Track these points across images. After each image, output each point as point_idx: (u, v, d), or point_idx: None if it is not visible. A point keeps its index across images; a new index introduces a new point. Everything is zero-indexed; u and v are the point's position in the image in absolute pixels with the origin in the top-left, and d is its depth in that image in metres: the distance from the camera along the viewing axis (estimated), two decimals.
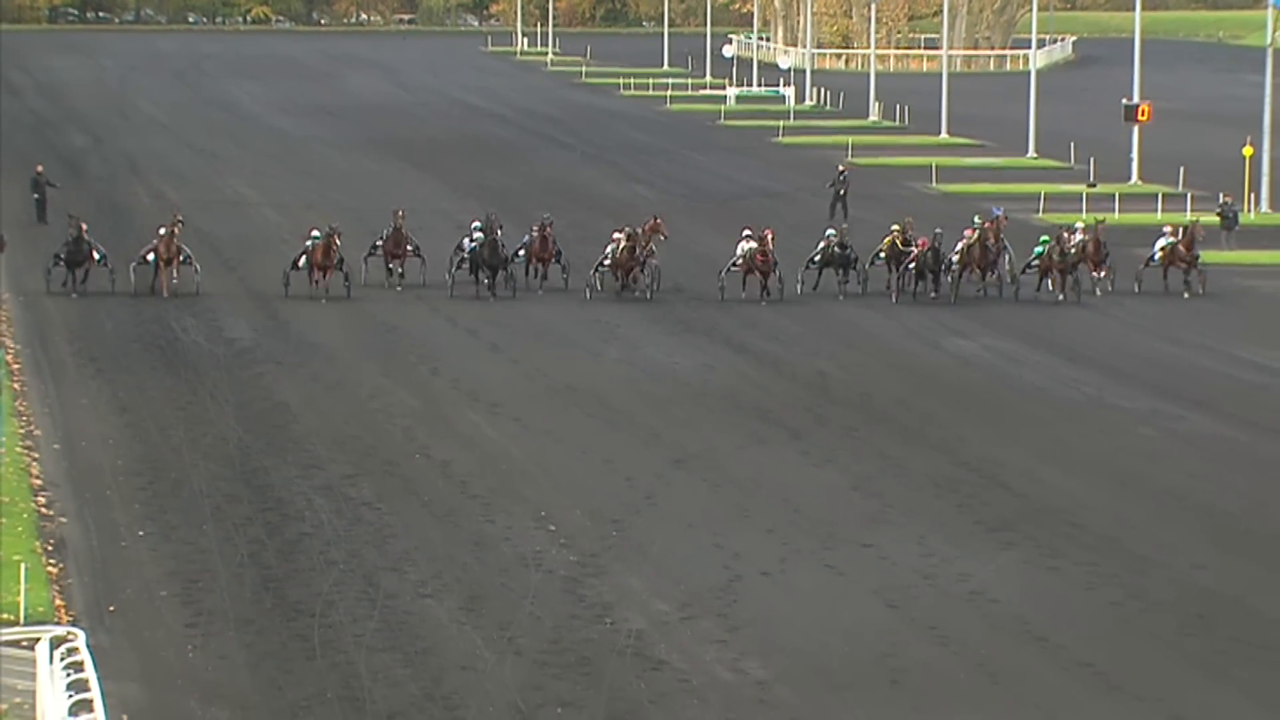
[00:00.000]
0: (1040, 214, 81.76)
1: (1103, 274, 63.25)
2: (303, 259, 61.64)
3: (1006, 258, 62.72)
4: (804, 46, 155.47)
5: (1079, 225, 64.97)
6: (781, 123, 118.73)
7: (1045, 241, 62.59)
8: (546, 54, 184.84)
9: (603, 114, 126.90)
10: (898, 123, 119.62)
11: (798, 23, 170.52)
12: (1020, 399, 50.08)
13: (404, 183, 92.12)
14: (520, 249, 64.07)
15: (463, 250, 62.95)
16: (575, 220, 79.17)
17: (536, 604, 34.15)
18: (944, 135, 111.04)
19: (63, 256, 60.98)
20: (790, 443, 45.45)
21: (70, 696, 25.83)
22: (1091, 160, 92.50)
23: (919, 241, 62.40)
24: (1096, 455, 44.42)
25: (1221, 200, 74.91)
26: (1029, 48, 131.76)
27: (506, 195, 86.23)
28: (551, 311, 61.06)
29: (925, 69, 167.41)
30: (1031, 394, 50.55)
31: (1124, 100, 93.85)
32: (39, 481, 41.15)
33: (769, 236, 61.54)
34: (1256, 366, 53.68)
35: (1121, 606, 34.37)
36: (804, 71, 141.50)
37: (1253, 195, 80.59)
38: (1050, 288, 62.20)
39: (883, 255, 63.36)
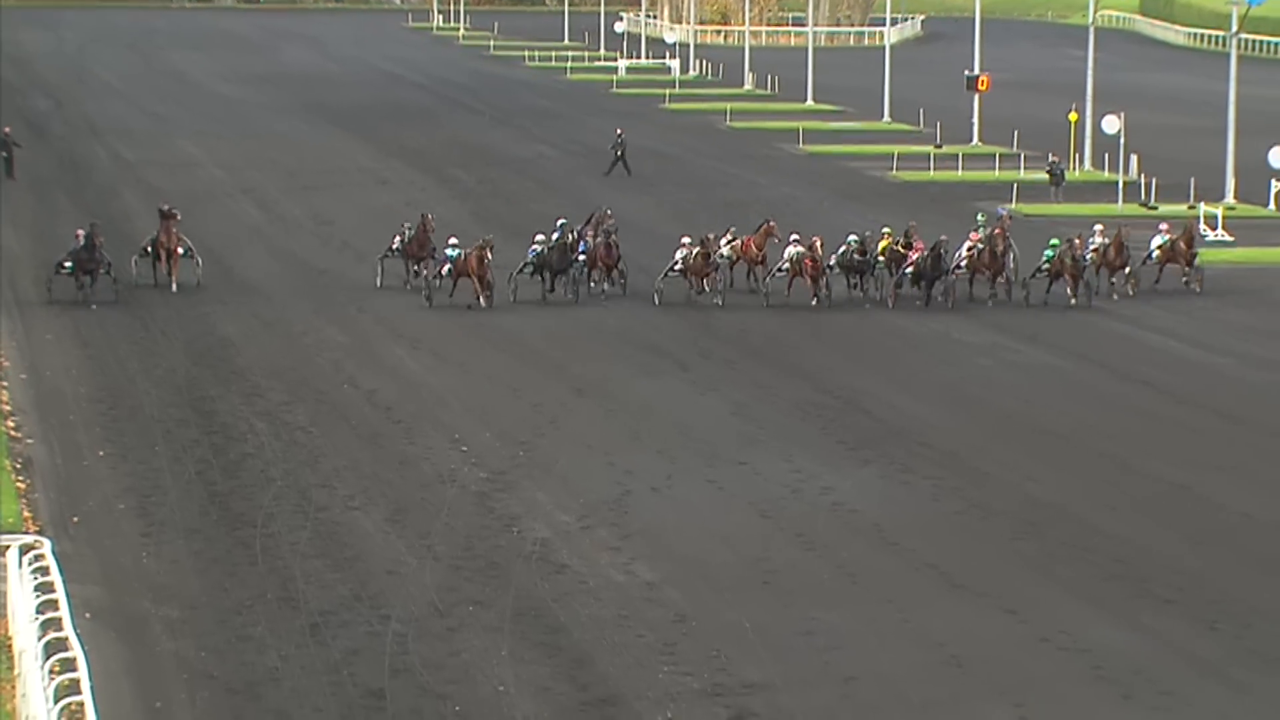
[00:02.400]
0: (894, 172, 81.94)
1: (1124, 278, 54.40)
2: (447, 268, 52.13)
3: (1011, 256, 54.70)
4: (687, 23, 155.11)
5: (1097, 228, 55.82)
6: (668, 91, 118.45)
7: (1055, 244, 53.69)
8: (459, 29, 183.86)
9: (510, 83, 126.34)
10: (769, 91, 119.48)
11: (682, 2, 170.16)
12: (878, 334, 50.21)
13: (333, 143, 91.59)
14: (581, 254, 54.15)
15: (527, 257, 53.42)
16: (485, 177, 78.89)
17: (452, 516, 34.12)
18: (810, 102, 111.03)
19: (69, 264, 51.46)
20: (678, 374, 45.50)
21: (38, 597, 25.69)
22: (938, 124, 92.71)
23: (916, 245, 53.97)
24: (942, 383, 44.59)
25: (1050, 160, 75.25)
26: (884, 25, 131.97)
27: (424, 154, 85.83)
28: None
29: (794, 44, 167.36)
30: (888, 331, 50.68)
31: (966, 72, 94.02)
32: (8, 407, 40.87)
33: (818, 244, 52.50)
34: (1080, 306, 53.91)
35: (963, 515, 34.55)
36: (687, 45, 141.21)
37: (1077, 155, 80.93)
38: (1066, 291, 52.88)
39: (880, 260, 54.12)
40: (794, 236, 53.63)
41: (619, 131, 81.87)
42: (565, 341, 48.66)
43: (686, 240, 53.81)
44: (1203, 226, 65.33)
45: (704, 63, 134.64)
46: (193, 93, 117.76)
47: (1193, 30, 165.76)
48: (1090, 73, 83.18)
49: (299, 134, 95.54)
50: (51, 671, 22.96)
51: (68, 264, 51.44)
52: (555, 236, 53.08)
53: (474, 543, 32.77)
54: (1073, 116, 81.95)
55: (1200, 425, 40.96)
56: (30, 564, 27.12)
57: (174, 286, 53.24)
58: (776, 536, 33.32)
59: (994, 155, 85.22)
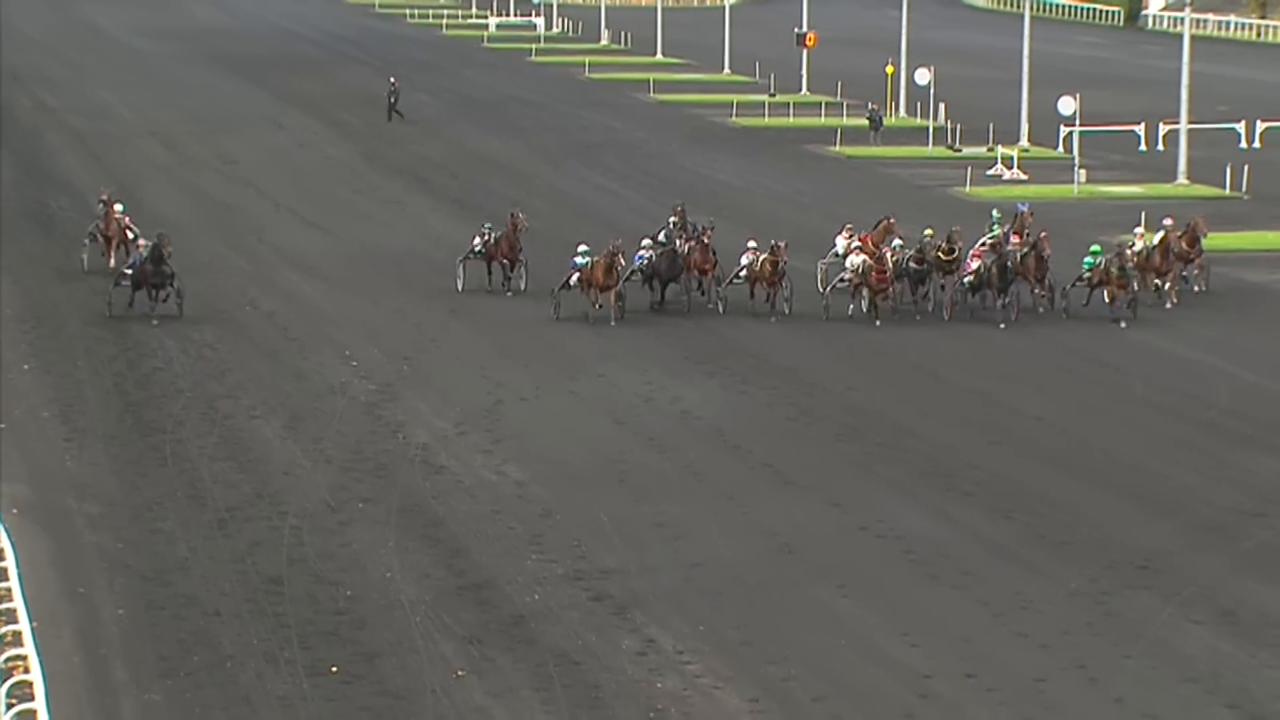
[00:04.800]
0: (734, 118, 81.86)
1: (1168, 283, 44.28)
2: (575, 277, 41.93)
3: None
4: None
5: (1139, 231, 46.30)
6: (533, 46, 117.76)
7: (1096, 251, 43.51)
8: None
9: (393, 38, 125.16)
10: (624, 46, 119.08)
11: None
12: (725, 265, 50.16)
13: (235, 91, 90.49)
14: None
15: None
16: (370, 121, 78.15)
17: (343, 423, 33.94)
18: (659, 56, 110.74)
19: (132, 277, 41.55)
20: (542, 297, 45.34)
21: None
22: (772, 76, 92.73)
23: (974, 251, 43.33)
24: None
25: (870, 107, 75.46)
26: None
27: (315, 101, 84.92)
28: (354, 196, 60.36)
29: (645, 4, 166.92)
30: (728, 254, 50.62)
31: (795, 29, 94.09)
32: None
33: (888, 255, 42.15)
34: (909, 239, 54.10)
35: (794, 421, 34.70)
36: (551, 4, 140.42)
37: (893, 104, 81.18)
38: (1105, 300, 42.66)
39: (913, 265, 43.28)
40: (751, 244, 43.46)
41: (393, 80, 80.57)
42: (441, 266, 48.41)
43: (753, 245, 43.17)
44: (999, 166, 65.80)
45: (566, 20, 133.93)
46: (107, 45, 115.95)
47: None
48: (905, 30, 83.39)
49: (204, 83, 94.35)
50: None
51: (128, 274, 41.54)
52: (662, 242, 43.89)
53: (363, 447, 32.61)
54: (889, 69, 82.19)
55: (1001, 341, 41.21)
56: None
57: (113, 263, 45.49)
58: (631, 440, 33.36)
59: (820, 103, 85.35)
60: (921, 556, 27.32)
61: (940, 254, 42.93)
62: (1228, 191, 61.88)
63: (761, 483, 31.01)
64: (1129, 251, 43.00)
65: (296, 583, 26.12)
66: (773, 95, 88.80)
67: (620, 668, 23.34)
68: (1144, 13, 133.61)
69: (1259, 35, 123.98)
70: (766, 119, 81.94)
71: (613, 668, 23.33)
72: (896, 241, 43.23)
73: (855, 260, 42.52)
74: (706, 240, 43.40)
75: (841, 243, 44.45)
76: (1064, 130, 69.97)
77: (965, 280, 42.76)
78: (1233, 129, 73.41)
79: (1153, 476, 31.25)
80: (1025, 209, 46.57)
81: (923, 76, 77.49)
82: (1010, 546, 27.86)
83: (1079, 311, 42.48)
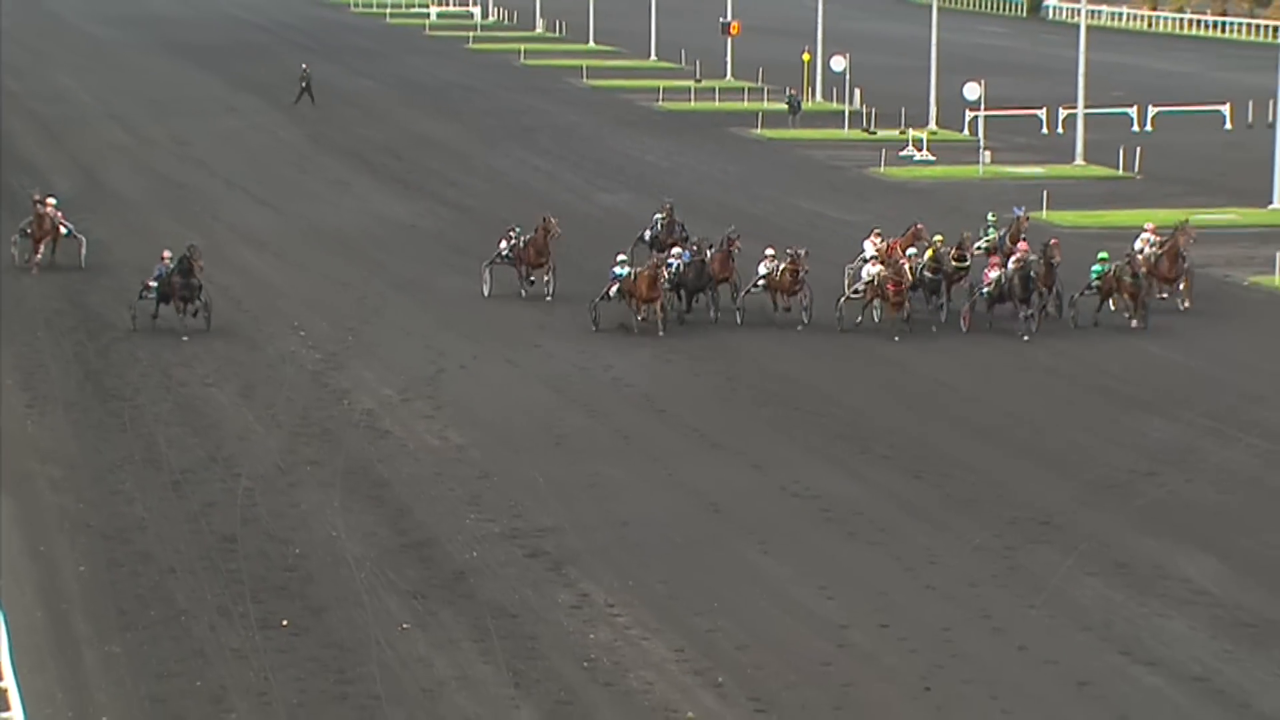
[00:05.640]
0: (660, 102, 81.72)
1: (1181, 289, 40.59)
2: (614, 288, 38.49)
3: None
4: None
5: (1145, 234, 41.75)
6: (471, 34, 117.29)
7: (1104, 258, 39.73)
8: None
9: (338, 26, 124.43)
10: (558, 34, 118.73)
11: None
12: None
13: (189, 76, 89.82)
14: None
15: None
16: (318, 105, 77.63)
17: (292, 390, 33.76)
18: (591, 43, 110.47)
19: (158, 289, 37.78)
20: (479, 271, 45.21)
21: None
22: (697, 63, 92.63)
23: (992, 260, 39.63)
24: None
25: (789, 92, 75.52)
26: None
27: (265, 86, 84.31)
28: (309, 176, 60.02)
29: None
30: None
31: (720, 18, 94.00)
32: None
33: (906, 267, 38.41)
34: (813, 214, 54.24)
35: (720, 388, 34.71)
36: None
37: (810, 89, 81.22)
38: (1112, 308, 39.61)
39: (928, 274, 39.50)
40: (768, 251, 39.95)
41: (304, 66, 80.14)
42: (383, 242, 48.23)
43: (770, 252, 39.74)
44: (910, 148, 65.93)
45: (502, 9, 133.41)
46: (67, 32, 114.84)
47: None
48: (821, 20, 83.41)
49: (159, 68, 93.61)
50: None
51: (153, 287, 37.84)
52: (674, 251, 40.45)
53: (311, 413, 32.45)
54: (806, 57, 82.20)
55: (917, 316, 41.26)
56: None
57: (36, 266, 42.91)
58: (565, 406, 33.30)
59: (743, 89, 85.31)
60: (838, 515, 27.38)
61: (953, 261, 39.65)
62: (1121, 172, 62.19)
63: (688, 446, 31.00)
64: (1140, 258, 39.28)
65: (248, 541, 25.98)
66: (698, 81, 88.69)
67: (555, 620, 23.31)
68: (1045, 4, 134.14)
69: (1149, 26, 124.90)
70: (692, 103, 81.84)
71: (548, 620, 23.31)
72: (911, 250, 39.43)
73: (870, 270, 38.80)
74: (735, 249, 39.82)
75: (870, 247, 40.26)
76: (970, 114, 70.16)
77: (985, 291, 38.61)
78: (1126, 113, 73.77)
79: (1053, 439, 31.41)
80: (1021, 213, 42.41)
81: (838, 63, 77.52)
82: (921, 505, 27.96)
83: (1089, 322, 38.76)
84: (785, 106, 74.19)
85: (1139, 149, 63.55)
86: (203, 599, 23.88)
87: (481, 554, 25.62)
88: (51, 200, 44.37)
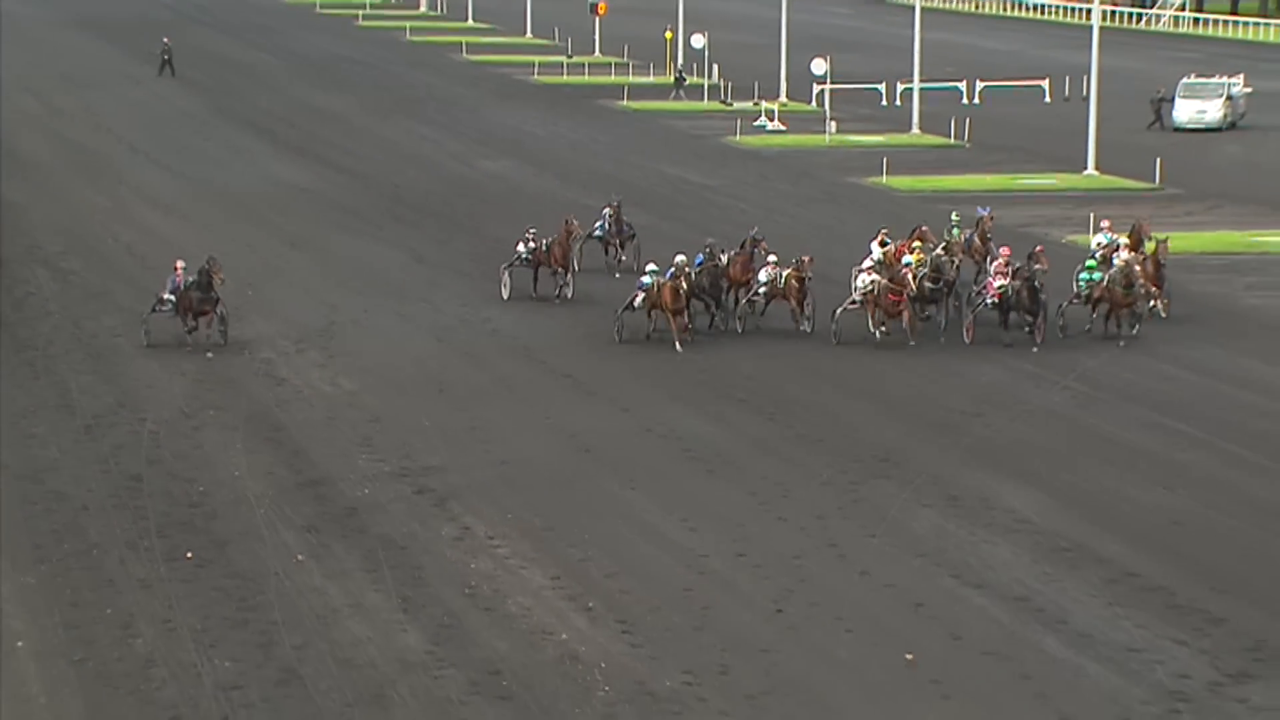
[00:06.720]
0: (536, 76, 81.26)
1: (1159, 301, 35.53)
2: (640, 298, 33.69)
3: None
4: None
5: (1106, 224, 37.76)
6: (360, 12, 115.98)
7: (1091, 267, 35.10)
8: None
9: (237, 4, 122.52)
10: (440, 12, 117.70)
11: None
12: (526, 199, 49.89)
13: (98, 51, 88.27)
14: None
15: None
16: (219, 78, 76.57)
17: (195, 342, 33.25)
18: (470, 21, 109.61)
19: (175, 303, 33.09)
20: (371, 231, 44.86)
21: None
22: (569, 39, 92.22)
23: (995, 268, 34.33)
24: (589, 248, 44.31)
25: (678, 68, 75.53)
26: None
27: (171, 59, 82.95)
28: (205, 142, 59.14)
29: None
30: (534, 195, 50.38)
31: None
32: None
33: (909, 276, 33.58)
34: (677, 179, 54.11)
35: (595, 337, 34.53)
36: None
37: (672, 64, 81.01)
38: (1094, 317, 34.45)
39: (928, 284, 34.39)
40: (772, 258, 35.15)
41: (165, 40, 79.10)
42: (280, 204, 47.69)
43: (773, 259, 35.03)
44: (763, 119, 65.98)
45: None
46: None
47: None
48: (682, 0, 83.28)
49: (70, 43, 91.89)
50: None
51: (167, 300, 33.26)
52: (701, 258, 35.11)
53: (213, 362, 32.00)
54: (669, 35, 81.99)
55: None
56: None
57: None
58: (449, 355, 33.08)
59: (611, 64, 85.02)
60: (699, 454, 27.40)
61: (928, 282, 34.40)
62: (953, 140, 62.63)
63: (562, 392, 30.90)
64: (1136, 269, 34.21)
65: (155, 480, 25.63)
66: (570, 57, 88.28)
67: (440, 552, 23.19)
68: None
69: (977, 8, 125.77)
70: (565, 77, 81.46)
71: (433, 551, 23.18)
72: (908, 258, 34.42)
73: (867, 280, 33.89)
74: (764, 252, 35.26)
75: (878, 250, 35.66)
76: (817, 88, 70.35)
77: (989, 301, 33.92)
78: (957, 87, 74.26)
79: (892, 383, 31.58)
80: (986, 213, 38.58)
81: (698, 40, 77.53)
82: (774, 444, 28.04)
83: (1078, 331, 34.15)
84: (673, 80, 74.54)
85: (968, 120, 64.04)
86: (112, 534, 23.54)
87: (372, 491, 25.42)
88: None
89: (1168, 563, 22.92)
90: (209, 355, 32.42)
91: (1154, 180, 53.02)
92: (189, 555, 22.87)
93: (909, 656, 20.12)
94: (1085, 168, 55.50)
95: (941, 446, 27.93)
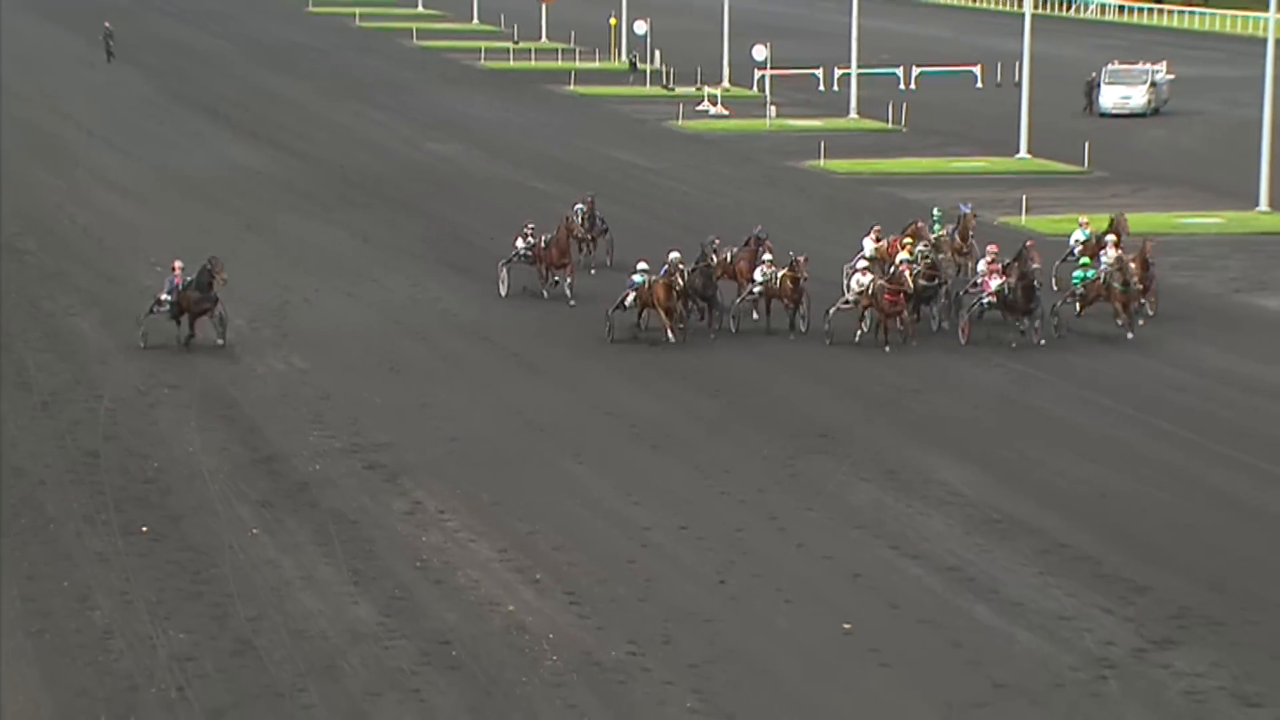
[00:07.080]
0: (483, 61, 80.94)
1: (1147, 299, 33.94)
2: (631, 297, 32.48)
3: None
4: None
5: (1109, 238, 34.74)
6: None
7: (1085, 264, 33.98)
8: None
9: None
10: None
11: None
12: (474, 182, 49.71)
13: (53, 36, 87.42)
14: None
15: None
16: (175, 64, 75.96)
17: (150, 321, 32.93)
18: (420, 8, 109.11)
19: (174, 303, 31.61)
20: (322, 213, 44.61)
21: None
22: (515, 26, 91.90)
23: (990, 267, 32.98)
24: (525, 219, 44.24)
25: (631, 54, 75.36)
26: None
27: (124, 45, 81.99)
28: (169, 129, 58.65)
29: None
30: (482, 178, 50.20)
31: None
32: None
33: (906, 274, 31.87)
34: (623, 162, 54.01)
35: (542, 318, 34.43)
36: None
37: (616, 51, 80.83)
38: (1079, 315, 33.33)
39: (923, 282, 32.72)
40: (767, 256, 33.52)
41: (107, 24, 78.54)
42: (235, 187, 47.35)
43: (768, 258, 33.34)
44: (706, 103, 65.89)
45: None
46: None
47: None
48: None
49: (25, 28, 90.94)
50: None
51: (166, 300, 31.72)
52: (697, 257, 33.98)
53: (169, 342, 31.74)
54: (613, 21, 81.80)
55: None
56: None
57: None
58: (400, 334, 32.92)
59: (557, 50, 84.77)
60: (644, 431, 27.36)
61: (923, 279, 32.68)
62: (889, 125, 62.73)
63: (511, 370, 30.80)
64: (1132, 266, 33.04)
65: (111, 456, 25.41)
66: (516, 43, 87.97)
67: (390, 526, 23.08)
68: None
69: None
70: (511, 63, 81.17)
71: (384, 526, 23.07)
72: (902, 255, 32.83)
73: (863, 280, 32.29)
74: (766, 245, 33.97)
75: (870, 245, 34.85)
76: (758, 74, 70.32)
77: (986, 300, 32.63)
78: (893, 74, 74.39)
79: (833, 361, 31.59)
80: (968, 210, 37.05)
81: (640, 27, 77.34)
82: (717, 421, 28.02)
83: (1073, 328, 32.88)
84: (627, 65, 74.38)
85: (905, 105, 64.15)
86: (69, 508, 23.34)
87: (324, 467, 25.27)
88: None
89: (1096, 534, 23.03)
90: (219, 342, 31.31)
91: (1082, 164, 53.25)
92: (145, 529, 22.69)
93: (847, 626, 20.16)
94: (1018, 151, 55.68)
95: (881, 423, 27.96)
